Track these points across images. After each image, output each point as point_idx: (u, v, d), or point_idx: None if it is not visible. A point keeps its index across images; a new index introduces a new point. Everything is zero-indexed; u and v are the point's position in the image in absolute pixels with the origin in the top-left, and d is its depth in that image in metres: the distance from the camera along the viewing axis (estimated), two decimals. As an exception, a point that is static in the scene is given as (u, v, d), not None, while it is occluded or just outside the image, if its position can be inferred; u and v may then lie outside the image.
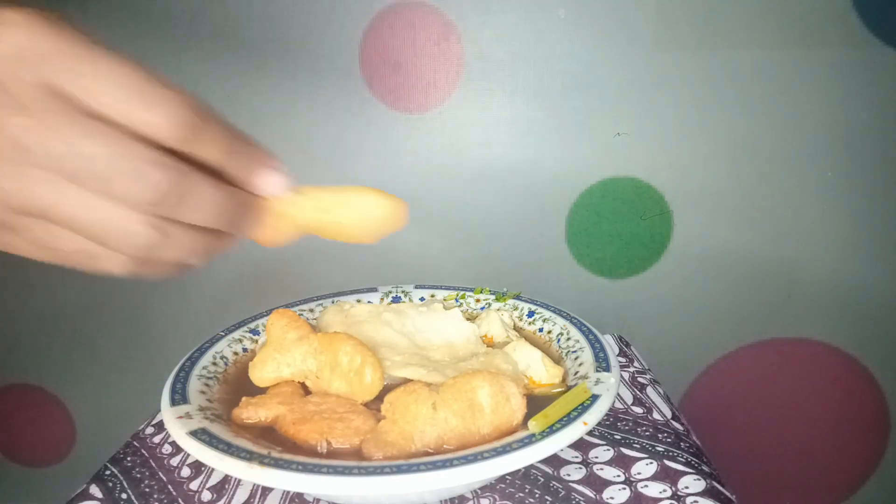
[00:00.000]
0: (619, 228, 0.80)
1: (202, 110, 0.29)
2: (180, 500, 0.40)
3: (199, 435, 0.34)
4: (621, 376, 0.53)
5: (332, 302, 0.56)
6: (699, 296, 0.82)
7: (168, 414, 0.36)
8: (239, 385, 0.43)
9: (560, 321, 0.49)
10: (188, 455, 0.44)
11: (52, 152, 0.26)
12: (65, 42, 0.26)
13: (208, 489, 0.41)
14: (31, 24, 0.26)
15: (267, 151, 0.33)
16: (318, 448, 0.35)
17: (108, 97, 0.26)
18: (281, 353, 0.42)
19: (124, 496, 0.41)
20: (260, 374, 0.42)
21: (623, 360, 0.57)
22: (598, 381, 0.39)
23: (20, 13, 0.26)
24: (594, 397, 0.37)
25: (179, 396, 0.39)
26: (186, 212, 0.29)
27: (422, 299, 0.56)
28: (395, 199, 0.38)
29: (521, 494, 0.39)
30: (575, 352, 0.45)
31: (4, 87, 0.26)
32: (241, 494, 0.40)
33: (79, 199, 0.27)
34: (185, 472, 0.43)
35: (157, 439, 0.47)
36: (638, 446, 0.43)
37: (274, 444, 0.35)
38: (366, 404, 0.39)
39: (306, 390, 0.42)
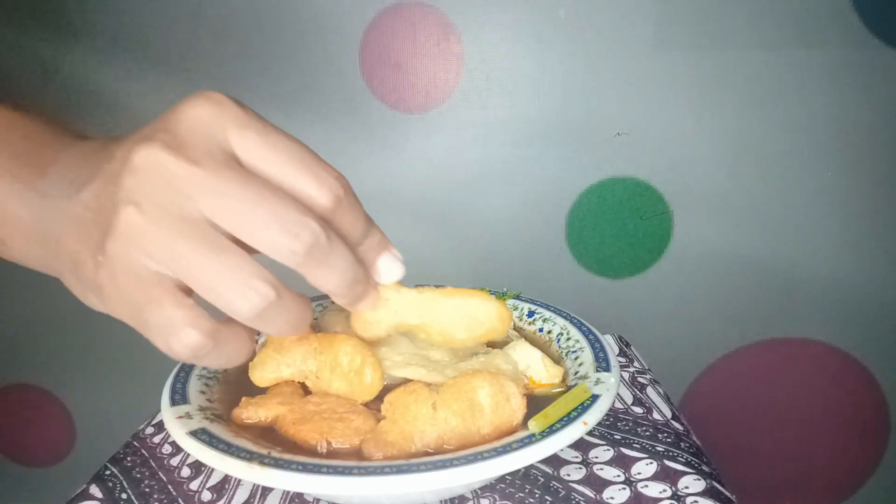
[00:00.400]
0: (619, 228, 0.80)
1: (349, 190, 0.32)
2: (180, 500, 0.40)
3: (199, 435, 0.34)
4: (621, 376, 0.53)
5: (333, 302, 0.56)
6: (699, 296, 0.82)
7: (168, 414, 0.36)
8: (239, 385, 0.43)
9: (560, 321, 0.49)
10: (188, 455, 0.44)
11: (215, 197, 0.29)
12: (245, 117, 0.31)
13: (208, 489, 0.41)
14: (220, 100, 0.31)
15: (390, 243, 0.36)
16: (318, 448, 0.35)
17: (276, 164, 0.30)
18: (281, 354, 0.42)
19: (124, 496, 0.41)
20: (260, 374, 0.42)
21: (623, 360, 0.57)
22: (598, 381, 0.39)
23: (213, 92, 0.31)
24: (594, 397, 0.37)
25: (179, 396, 0.39)
26: (323, 271, 0.31)
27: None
28: (503, 305, 0.40)
29: (521, 494, 0.39)
30: (575, 352, 0.45)
31: (185, 144, 0.29)
32: (241, 494, 0.40)
33: (217, 247, 0.29)
34: (185, 472, 0.43)
35: (157, 439, 0.47)
36: (638, 446, 0.43)
37: (274, 444, 0.35)
38: (366, 404, 0.39)
39: (306, 390, 0.42)
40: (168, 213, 0.29)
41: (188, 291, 0.31)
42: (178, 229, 0.29)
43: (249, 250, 0.31)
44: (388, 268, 0.36)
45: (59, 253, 0.33)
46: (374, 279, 0.36)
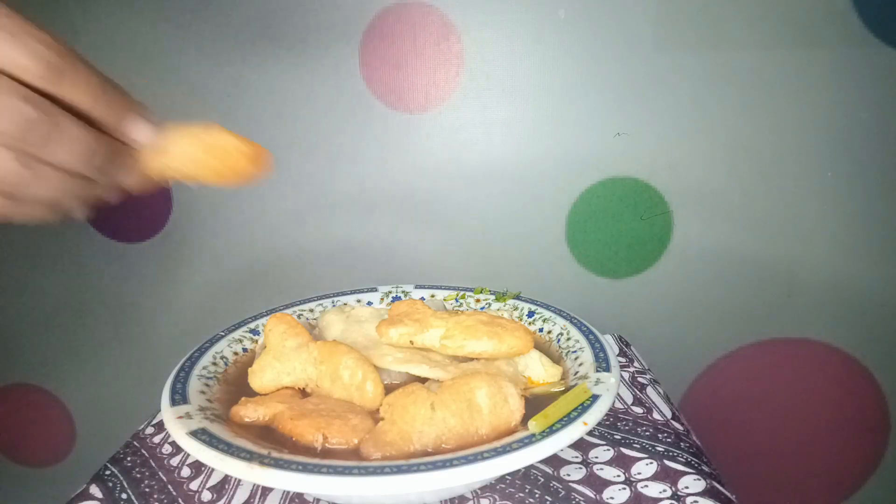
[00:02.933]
0: (619, 228, 0.80)
1: (69, 54, 0.29)
2: (180, 500, 0.40)
3: (199, 435, 0.34)
4: (621, 376, 0.53)
5: (333, 303, 0.56)
6: (699, 296, 0.82)
7: (168, 414, 0.36)
8: (239, 385, 0.43)
9: (560, 321, 0.49)
10: (188, 455, 0.44)
11: None
12: None
13: (208, 489, 0.41)
14: None
15: (137, 100, 0.33)
16: (314, 441, 0.35)
17: None
18: (280, 362, 0.42)
19: (124, 496, 0.41)
20: (260, 382, 0.42)
21: (623, 360, 0.57)
22: (598, 382, 0.39)
23: None
24: (594, 397, 0.37)
25: (179, 396, 0.39)
26: (53, 150, 0.29)
27: (422, 299, 0.56)
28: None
29: (521, 494, 0.39)
30: (575, 352, 0.45)
31: None
32: (241, 494, 0.40)
33: None
34: (185, 472, 0.43)
35: (157, 439, 0.47)
36: (638, 446, 0.43)
37: (272, 443, 0.35)
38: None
39: (306, 395, 0.42)
40: None
41: None
42: None
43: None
44: (137, 130, 0.33)
45: None
46: (125, 143, 0.34)
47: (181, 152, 0.36)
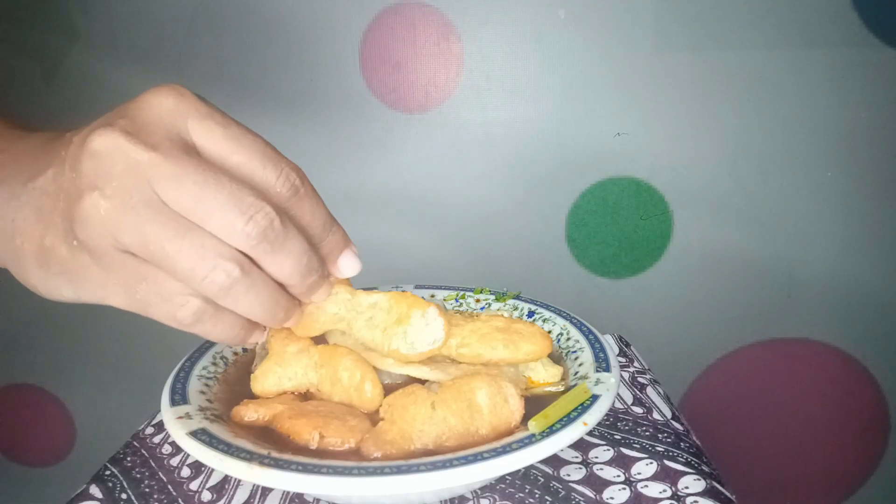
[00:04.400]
0: (619, 228, 0.80)
1: (308, 183, 0.33)
2: (180, 500, 0.40)
3: (199, 435, 0.34)
4: (621, 376, 0.53)
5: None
6: (699, 296, 0.82)
7: (168, 414, 0.36)
8: (239, 385, 0.43)
9: (560, 321, 0.49)
10: (188, 455, 0.44)
11: (172, 180, 0.29)
12: (206, 108, 0.32)
13: (208, 489, 0.41)
14: (182, 92, 0.32)
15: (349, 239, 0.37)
16: (310, 440, 0.35)
17: (234, 153, 0.31)
18: (282, 367, 0.42)
19: (124, 496, 0.41)
20: (262, 386, 0.42)
21: (623, 360, 0.57)
22: (598, 382, 0.39)
23: (175, 84, 0.32)
24: (594, 397, 0.37)
25: (179, 397, 0.39)
26: (280, 260, 0.32)
27: (422, 299, 0.56)
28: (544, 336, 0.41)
29: (521, 494, 0.39)
30: (575, 352, 0.45)
31: (143, 130, 0.30)
32: (241, 494, 0.40)
33: (179, 228, 0.30)
34: (185, 472, 0.43)
35: (157, 439, 0.47)
36: (638, 446, 0.43)
37: (272, 443, 0.35)
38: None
39: (307, 400, 0.42)
40: (130, 198, 0.29)
41: None
42: (142, 214, 0.29)
43: None
44: (348, 265, 0.37)
45: (13, 242, 0.33)
46: (329, 273, 0.37)
47: (356, 305, 0.39)
